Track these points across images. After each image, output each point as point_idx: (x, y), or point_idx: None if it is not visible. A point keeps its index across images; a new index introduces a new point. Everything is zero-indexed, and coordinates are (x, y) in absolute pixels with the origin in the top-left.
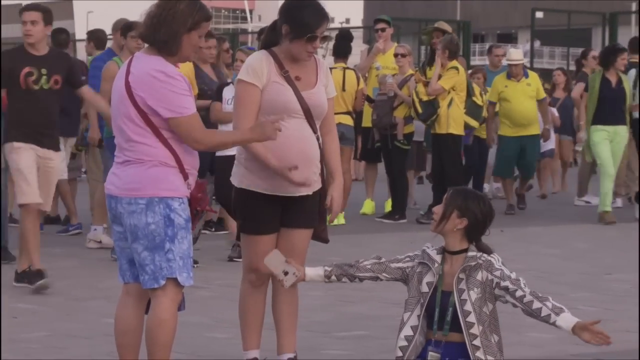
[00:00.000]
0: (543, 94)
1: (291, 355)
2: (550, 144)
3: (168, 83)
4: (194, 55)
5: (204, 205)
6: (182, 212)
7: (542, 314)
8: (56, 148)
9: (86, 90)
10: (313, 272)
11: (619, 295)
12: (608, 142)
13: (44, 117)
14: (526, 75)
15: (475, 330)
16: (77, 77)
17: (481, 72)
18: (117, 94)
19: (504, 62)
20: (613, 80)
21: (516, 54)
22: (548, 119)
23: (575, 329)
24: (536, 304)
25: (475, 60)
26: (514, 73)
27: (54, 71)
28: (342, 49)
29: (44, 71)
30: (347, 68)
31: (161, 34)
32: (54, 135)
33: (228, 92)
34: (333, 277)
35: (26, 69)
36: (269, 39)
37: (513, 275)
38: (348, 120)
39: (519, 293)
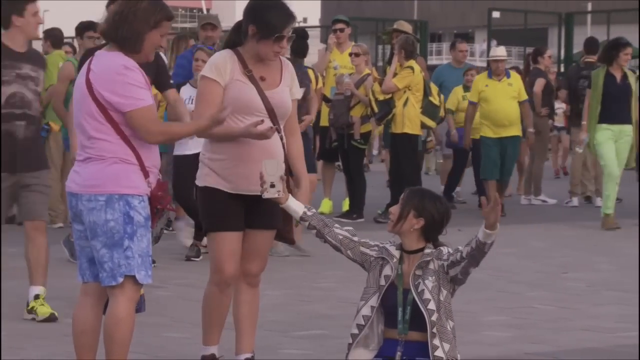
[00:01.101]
0: (525, 96)
1: (249, 356)
2: None
3: (124, 75)
4: (153, 54)
5: (165, 203)
6: (142, 210)
7: (472, 244)
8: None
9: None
10: (294, 205)
11: (575, 294)
12: (613, 142)
13: None
14: (508, 75)
15: (435, 317)
16: None
17: (474, 69)
18: (78, 92)
19: (475, 59)
20: (618, 75)
21: (500, 50)
22: (530, 122)
23: (485, 225)
24: (468, 247)
25: (433, 60)
26: (497, 71)
27: None
28: (299, 49)
29: None
30: (305, 67)
31: (123, 31)
32: None
33: (185, 92)
34: (307, 223)
35: None
36: (232, 39)
37: (453, 251)
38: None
39: (458, 255)
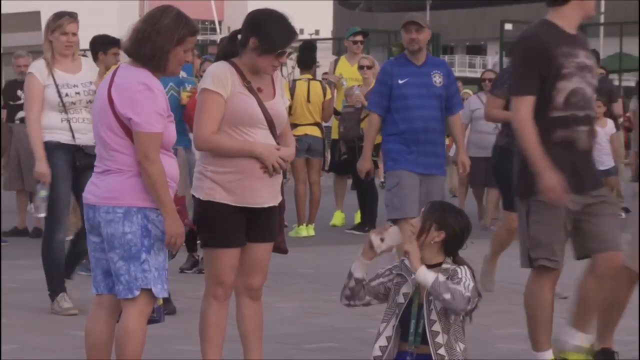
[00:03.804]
0: None
1: None
2: (611, 162)
3: (145, 94)
4: (179, 69)
5: (182, 218)
6: (159, 223)
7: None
8: None
9: None
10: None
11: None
12: None
13: None
14: None
15: (440, 339)
16: None
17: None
18: (99, 103)
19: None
20: None
21: None
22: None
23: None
24: None
25: None
26: None
27: None
28: (306, 60)
29: None
30: (312, 79)
31: (147, 49)
32: None
33: None
34: (354, 285)
35: None
36: (228, 49)
37: (468, 286)
38: (315, 132)
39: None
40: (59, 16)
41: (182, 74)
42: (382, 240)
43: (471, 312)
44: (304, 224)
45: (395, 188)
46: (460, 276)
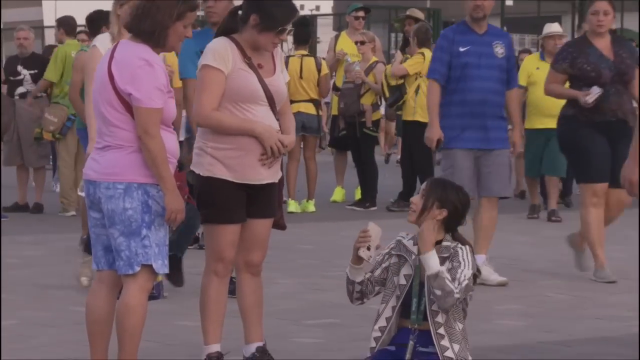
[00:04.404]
0: None
1: (260, 344)
2: None
3: (145, 70)
4: (179, 45)
5: (183, 194)
6: (160, 199)
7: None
8: None
9: None
10: (360, 273)
11: (588, 283)
12: None
13: None
14: None
15: (440, 318)
16: None
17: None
18: (99, 79)
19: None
20: None
21: (555, 26)
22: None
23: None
24: None
25: None
26: (554, 49)
27: None
28: (301, 36)
29: None
30: (306, 55)
31: (146, 25)
32: None
33: None
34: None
35: None
36: (228, 25)
37: (463, 279)
38: (309, 109)
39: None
40: None
41: None
42: (368, 248)
43: (464, 301)
44: (294, 200)
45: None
46: (460, 259)
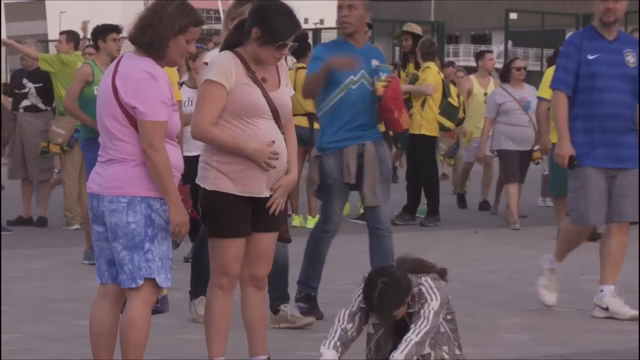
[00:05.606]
0: None
1: (264, 358)
2: None
3: (149, 83)
4: (181, 60)
5: (187, 208)
6: (163, 213)
7: None
8: None
9: None
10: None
11: (592, 296)
12: None
13: None
14: None
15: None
16: None
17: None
18: (103, 93)
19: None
20: None
21: None
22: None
23: None
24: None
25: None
26: None
27: None
28: (298, 49)
29: None
30: (302, 68)
31: (147, 36)
32: None
33: (182, 93)
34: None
35: None
36: (233, 39)
37: (429, 315)
38: (303, 122)
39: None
40: (241, 4)
41: (375, 62)
42: None
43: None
44: (298, 214)
45: (580, 190)
46: (425, 296)
